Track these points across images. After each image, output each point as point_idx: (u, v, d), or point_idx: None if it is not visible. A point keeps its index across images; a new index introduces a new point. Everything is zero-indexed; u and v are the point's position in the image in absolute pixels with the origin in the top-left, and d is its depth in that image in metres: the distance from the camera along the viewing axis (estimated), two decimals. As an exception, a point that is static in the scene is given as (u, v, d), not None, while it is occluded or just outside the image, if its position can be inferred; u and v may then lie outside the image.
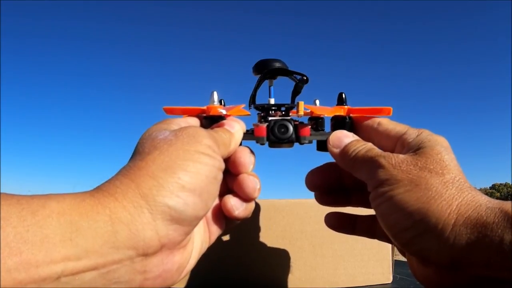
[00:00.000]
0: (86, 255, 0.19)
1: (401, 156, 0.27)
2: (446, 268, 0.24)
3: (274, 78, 0.33)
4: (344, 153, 0.30)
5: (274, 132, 0.31)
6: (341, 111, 0.33)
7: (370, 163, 0.27)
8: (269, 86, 0.33)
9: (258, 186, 0.29)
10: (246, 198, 0.29)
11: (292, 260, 0.44)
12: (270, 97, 0.33)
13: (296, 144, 0.32)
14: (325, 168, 0.34)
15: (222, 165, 0.26)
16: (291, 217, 0.45)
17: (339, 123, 0.33)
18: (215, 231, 0.29)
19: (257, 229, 0.43)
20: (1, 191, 0.19)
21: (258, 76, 0.33)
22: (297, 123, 0.32)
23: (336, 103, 0.34)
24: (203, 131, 0.26)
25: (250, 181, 0.29)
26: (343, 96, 0.33)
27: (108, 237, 0.20)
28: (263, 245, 0.44)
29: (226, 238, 0.42)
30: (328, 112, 0.33)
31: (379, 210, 0.26)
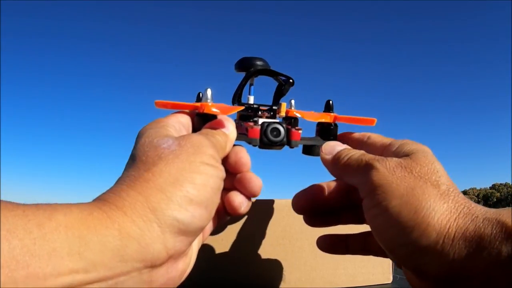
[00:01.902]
0: (94, 268, 0.19)
1: (395, 159, 0.27)
2: (444, 281, 0.23)
3: (256, 77, 0.34)
4: (336, 158, 0.30)
5: (267, 134, 0.31)
6: (327, 118, 0.34)
7: (364, 167, 0.27)
8: (250, 85, 0.34)
9: (261, 183, 0.30)
10: (250, 195, 0.30)
11: (292, 260, 0.44)
12: (250, 94, 0.34)
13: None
14: (310, 191, 0.34)
15: (224, 174, 0.27)
16: (291, 217, 0.45)
17: (324, 129, 0.35)
18: (208, 229, 0.30)
19: (257, 229, 0.43)
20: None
21: (239, 73, 0.33)
22: (289, 127, 0.32)
23: (323, 108, 0.35)
24: (205, 140, 0.26)
25: (257, 178, 0.30)
26: (330, 103, 0.35)
27: (117, 251, 0.20)
28: (263, 245, 0.44)
29: (226, 238, 0.42)
30: (315, 118, 0.34)
31: (374, 223, 0.26)
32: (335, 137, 0.35)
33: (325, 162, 0.31)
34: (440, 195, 0.24)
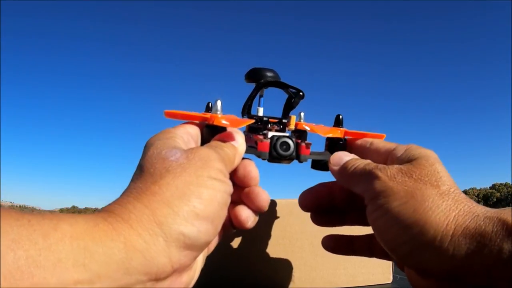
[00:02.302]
0: (98, 280, 0.19)
1: (395, 166, 0.27)
2: (446, 279, 0.24)
3: (266, 88, 0.34)
4: (343, 169, 0.31)
5: (276, 148, 0.31)
6: (337, 133, 0.34)
7: (367, 176, 0.28)
8: (260, 96, 0.34)
9: (269, 198, 0.30)
10: (257, 210, 0.30)
11: (292, 260, 0.44)
12: (259, 106, 0.34)
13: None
14: (317, 189, 0.34)
15: (232, 189, 0.27)
16: (291, 217, 0.45)
17: (334, 143, 0.35)
18: (214, 242, 0.30)
19: (257, 229, 0.43)
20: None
21: (249, 83, 0.33)
22: (298, 141, 0.32)
23: (332, 123, 0.35)
24: (213, 154, 0.26)
25: (265, 193, 0.30)
26: (340, 118, 0.34)
27: (122, 263, 0.20)
28: (263, 245, 0.44)
29: (226, 238, 0.42)
30: (325, 132, 0.34)
31: (376, 224, 0.27)
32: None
33: (333, 173, 0.32)
34: (439, 195, 0.25)
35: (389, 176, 0.27)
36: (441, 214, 0.24)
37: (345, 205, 0.34)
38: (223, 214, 0.26)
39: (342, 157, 0.32)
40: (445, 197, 0.25)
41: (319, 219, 0.35)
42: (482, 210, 0.24)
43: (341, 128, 0.34)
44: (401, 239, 0.25)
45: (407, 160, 0.28)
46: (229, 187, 0.26)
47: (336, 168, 0.31)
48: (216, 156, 0.26)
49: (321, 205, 0.34)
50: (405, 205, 0.25)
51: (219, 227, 0.25)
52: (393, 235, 0.25)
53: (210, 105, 0.36)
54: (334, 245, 0.35)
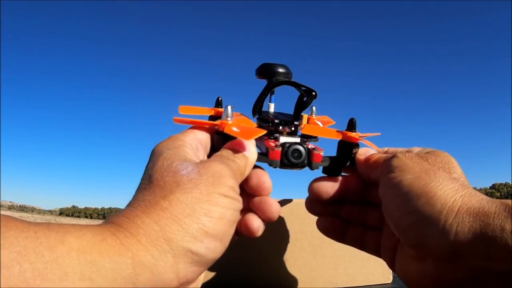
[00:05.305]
0: None
1: (413, 153, 0.30)
2: (445, 259, 0.24)
3: (278, 86, 0.33)
4: (368, 158, 0.32)
5: (288, 156, 0.31)
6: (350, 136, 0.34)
7: (387, 160, 0.30)
8: (271, 93, 0.34)
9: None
10: (267, 220, 0.30)
11: (292, 260, 0.44)
12: (270, 102, 0.34)
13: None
14: (332, 178, 0.34)
15: (242, 205, 0.27)
16: (291, 217, 0.45)
17: (347, 147, 0.34)
18: None
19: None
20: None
21: (260, 79, 0.33)
22: (309, 146, 0.32)
23: (345, 125, 0.34)
24: (226, 170, 0.26)
25: (277, 204, 0.30)
26: (354, 121, 0.34)
27: (129, 279, 0.20)
28: (263, 245, 0.44)
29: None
30: (337, 136, 0.33)
31: (386, 195, 0.28)
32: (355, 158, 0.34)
33: (358, 162, 0.33)
34: (450, 178, 0.27)
35: (407, 156, 0.29)
36: (449, 191, 0.25)
37: (356, 197, 0.34)
38: (232, 231, 0.26)
39: (370, 150, 0.33)
40: (454, 180, 0.26)
41: (315, 206, 0.35)
42: (486, 196, 0.25)
43: (354, 133, 0.33)
44: (407, 208, 0.26)
45: (426, 152, 0.30)
46: (239, 204, 0.26)
47: (362, 157, 0.33)
48: (228, 172, 0.26)
49: (333, 195, 0.34)
50: (417, 179, 0.26)
51: (227, 243, 0.25)
52: (401, 204, 0.26)
53: (219, 99, 0.36)
54: (329, 227, 0.35)
